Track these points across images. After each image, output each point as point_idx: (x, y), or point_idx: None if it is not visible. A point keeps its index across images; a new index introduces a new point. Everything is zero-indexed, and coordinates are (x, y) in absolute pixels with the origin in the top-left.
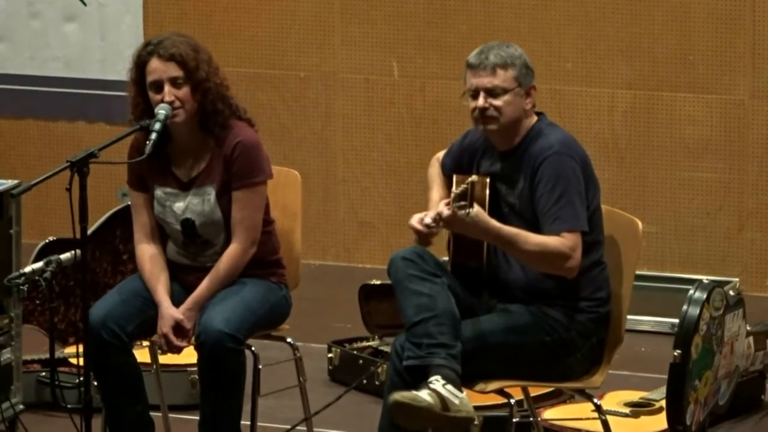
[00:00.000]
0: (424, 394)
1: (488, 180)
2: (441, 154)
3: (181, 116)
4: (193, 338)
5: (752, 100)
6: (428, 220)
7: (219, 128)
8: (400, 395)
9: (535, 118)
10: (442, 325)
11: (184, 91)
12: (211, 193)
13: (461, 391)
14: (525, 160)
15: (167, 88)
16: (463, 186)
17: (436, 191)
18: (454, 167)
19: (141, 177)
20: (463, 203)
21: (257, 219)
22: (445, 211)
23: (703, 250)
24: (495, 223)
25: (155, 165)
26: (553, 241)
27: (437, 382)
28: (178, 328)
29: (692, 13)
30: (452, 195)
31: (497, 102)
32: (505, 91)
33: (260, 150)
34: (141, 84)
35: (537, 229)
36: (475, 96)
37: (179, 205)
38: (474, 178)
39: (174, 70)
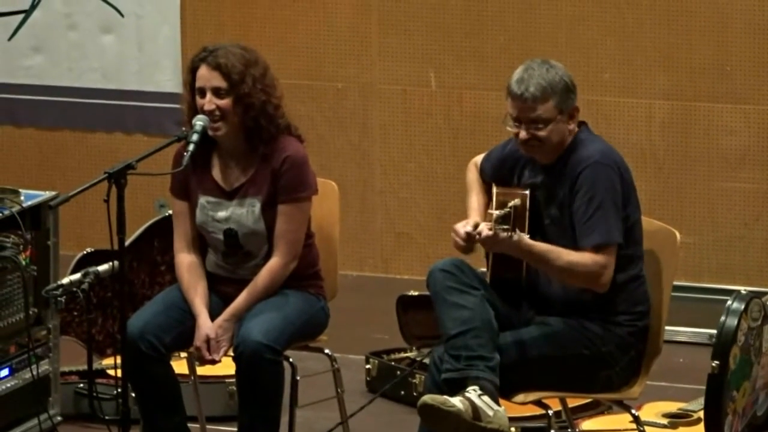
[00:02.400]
0: (455, 401)
1: (528, 194)
2: (479, 159)
3: (222, 129)
4: (231, 349)
5: None
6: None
7: (263, 145)
8: (429, 398)
9: (576, 129)
10: (481, 337)
11: (226, 102)
12: (256, 205)
13: (498, 404)
14: (566, 170)
15: (209, 96)
16: (506, 209)
17: (475, 197)
18: (494, 175)
19: (184, 185)
20: (506, 227)
21: (300, 234)
22: (485, 231)
23: (740, 261)
24: (529, 241)
25: (198, 172)
26: (585, 259)
27: (474, 392)
28: (210, 343)
29: (730, 23)
30: (494, 216)
31: (540, 133)
32: (547, 122)
33: (308, 165)
34: (193, 88)
35: (575, 240)
36: (517, 123)
37: (222, 215)
38: (517, 201)
39: (217, 80)
